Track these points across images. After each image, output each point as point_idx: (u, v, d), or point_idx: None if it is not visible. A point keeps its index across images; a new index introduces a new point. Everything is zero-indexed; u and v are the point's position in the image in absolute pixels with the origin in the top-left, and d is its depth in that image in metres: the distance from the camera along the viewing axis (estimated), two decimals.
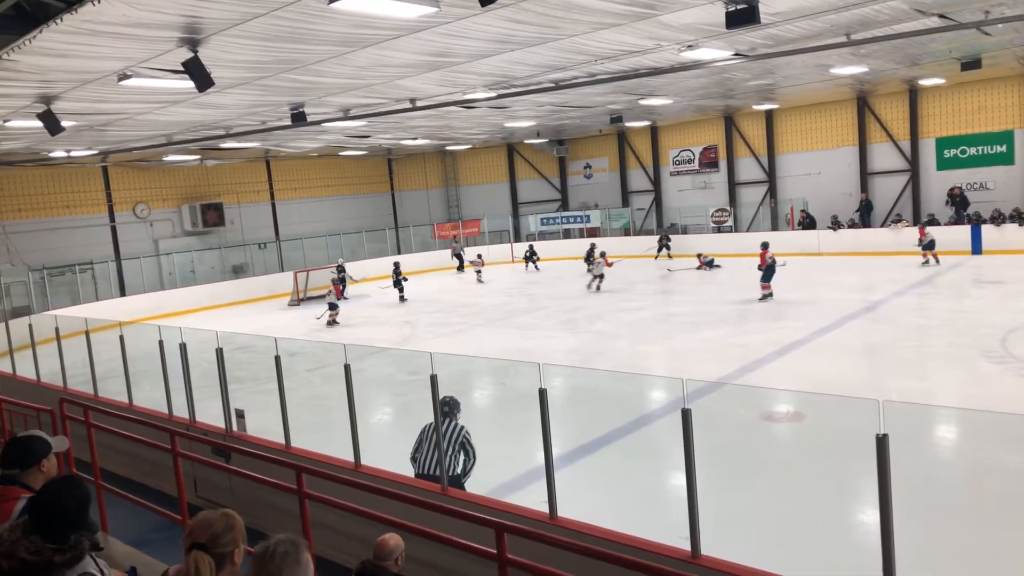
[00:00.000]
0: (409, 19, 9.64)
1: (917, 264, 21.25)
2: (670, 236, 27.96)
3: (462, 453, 6.21)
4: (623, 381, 10.48)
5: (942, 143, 24.95)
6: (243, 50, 10.64)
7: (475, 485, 6.25)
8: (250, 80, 12.98)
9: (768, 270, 17.45)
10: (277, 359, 6.80)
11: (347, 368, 6.09)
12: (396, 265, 22.95)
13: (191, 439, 7.08)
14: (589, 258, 23.77)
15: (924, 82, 23.05)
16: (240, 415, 7.38)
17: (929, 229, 22.18)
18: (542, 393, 4.94)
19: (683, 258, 26.31)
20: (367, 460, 6.32)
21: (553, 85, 15.94)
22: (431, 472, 6.06)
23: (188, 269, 26.57)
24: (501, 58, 12.88)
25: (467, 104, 17.89)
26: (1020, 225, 21.98)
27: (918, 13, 12.05)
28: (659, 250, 27.51)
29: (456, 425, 6.31)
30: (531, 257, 28.72)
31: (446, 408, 6.30)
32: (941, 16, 12.35)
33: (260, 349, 11.25)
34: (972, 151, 24.42)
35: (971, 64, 18.25)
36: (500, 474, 7.31)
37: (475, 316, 18.50)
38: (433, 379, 5.45)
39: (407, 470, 6.29)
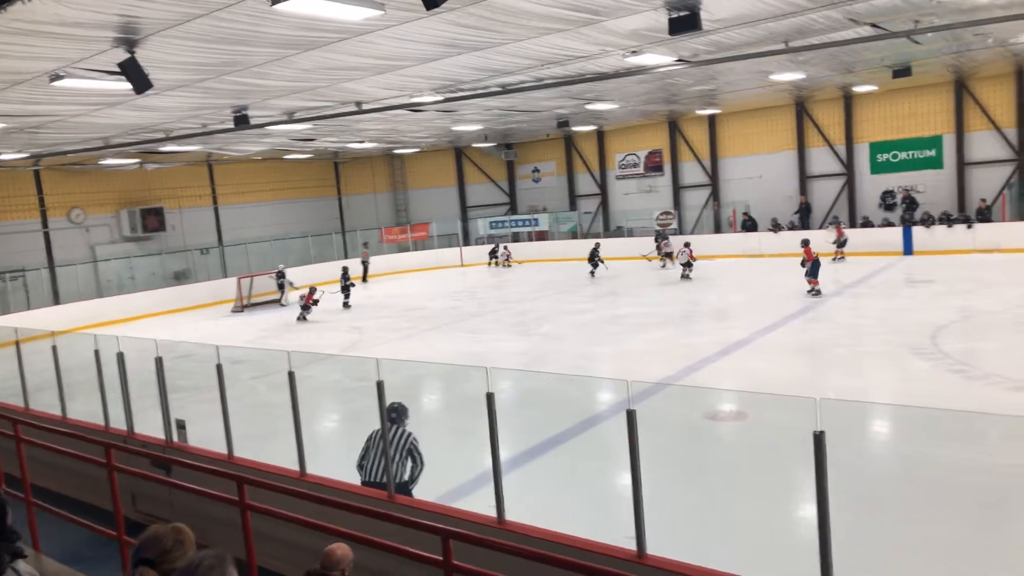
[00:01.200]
0: (354, 21, 9.56)
1: (834, 262, 21.98)
2: (667, 236, 27.55)
3: (409, 460, 6.16)
4: (570, 383, 10.56)
5: (875, 147, 25.85)
6: (183, 51, 10.40)
7: (423, 491, 6.22)
8: (191, 82, 12.69)
9: (814, 265, 17.76)
10: (219, 367, 6.65)
11: (291, 375, 6.00)
12: (345, 270, 22.66)
13: (129, 452, 6.87)
14: (594, 258, 25.36)
15: (858, 89, 23.85)
16: (181, 426, 7.20)
17: (844, 230, 23.72)
18: (489, 397, 4.95)
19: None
20: (314, 469, 6.24)
21: (500, 89, 15.99)
22: (378, 479, 6.00)
23: (127, 276, 25.78)
24: (448, 62, 12.87)
25: (414, 107, 17.82)
26: (949, 227, 22.89)
27: (852, 22, 12.46)
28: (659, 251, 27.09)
29: (403, 431, 6.26)
30: (495, 253, 29.90)
31: (393, 414, 6.24)
32: (873, 25, 12.80)
33: (202, 357, 10.98)
34: (903, 155, 25.37)
35: (902, 72, 18.94)
36: (449, 480, 7.29)
37: (424, 320, 18.42)
38: (379, 385, 5.41)
39: (354, 478, 6.22)
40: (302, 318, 19.80)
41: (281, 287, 23.68)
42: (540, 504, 6.81)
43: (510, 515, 4.94)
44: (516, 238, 32.36)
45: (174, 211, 28.82)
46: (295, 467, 6.17)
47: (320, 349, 15.45)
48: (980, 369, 10.49)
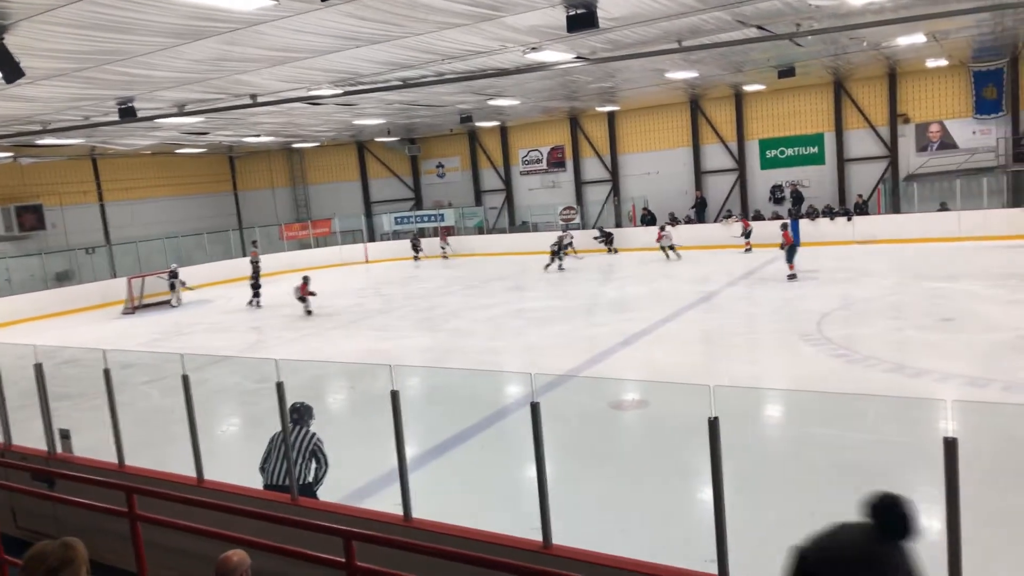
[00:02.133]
0: (246, 11, 9.25)
1: (744, 253, 23.06)
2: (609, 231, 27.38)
3: (313, 461, 6.03)
4: (477, 378, 10.60)
5: (764, 144, 27.13)
6: (58, 38, 9.78)
7: (327, 492, 6.11)
8: (68, 71, 11.95)
9: (791, 250, 18.00)
10: (106, 372, 6.32)
11: (185, 379, 5.76)
12: (255, 265, 21.56)
13: (6, 466, 6.44)
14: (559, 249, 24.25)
15: (747, 88, 24.96)
16: (65, 435, 6.80)
17: (751, 222, 24.80)
18: (394, 395, 4.91)
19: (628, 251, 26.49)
20: (213, 474, 6.01)
21: (401, 83, 15.83)
22: (281, 482, 5.86)
23: (3, 278, 24.02)
24: (346, 54, 12.63)
25: (312, 101, 17.39)
26: (832, 220, 24.30)
27: (740, 24, 13.02)
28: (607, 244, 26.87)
29: (307, 432, 6.12)
30: (418, 248, 29.69)
31: (295, 415, 6.10)
32: (759, 27, 13.42)
33: (89, 362, 10.39)
34: (790, 152, 26.75)
35: (786, 72, 19.94)
36: (354, 480, 7.20)
37: (327, 319, 18.04)
38: (279, 387, 5.27)
39: (256, 481, 6.04)
40: (309, 312, 18.49)
41: (172, 287, 22.64)
42: (448, 500, 6.81)
43: (417, 513, 4.93)
44: (422, 234, 32.14)
45: (54, 208, 27.07)
46: (192, 473, 5.94)
47: (217, 351, 14.89)
48: (859, 353, 11.20)
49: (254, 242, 28.84)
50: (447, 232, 30.87)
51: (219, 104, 16.61)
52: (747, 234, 24.25)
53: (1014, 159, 23.12)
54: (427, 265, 28.39)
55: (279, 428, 5.86)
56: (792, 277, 17.79)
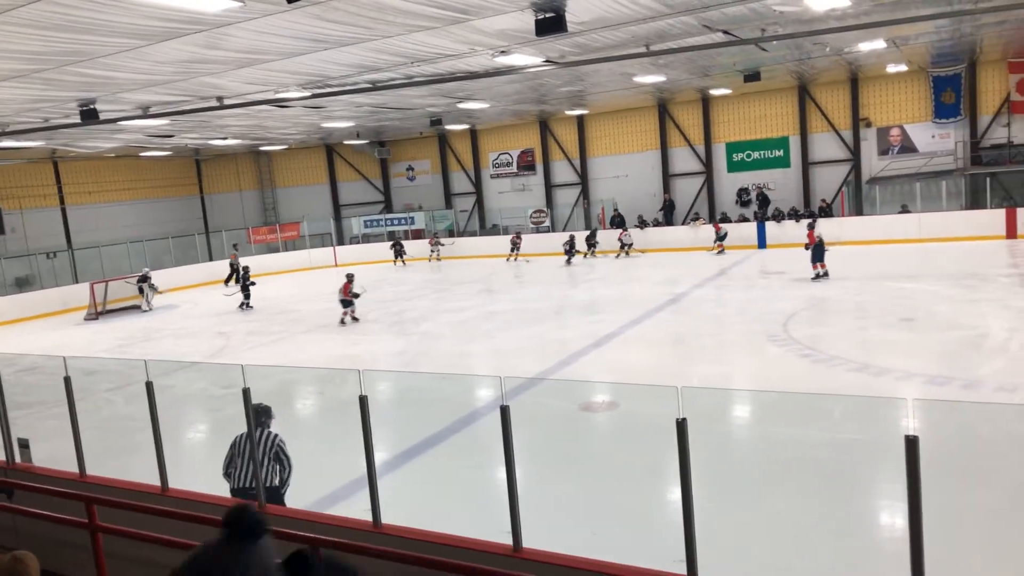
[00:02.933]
0: (211, 13, 9.14)
1: (713, 256, 23.33)
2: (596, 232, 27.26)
3: (277, 463, 5.93)
4: (447, 382, 10.57)
5: (731, 147, 27.48)
6: (16, 38, 9.59)
7: (298, 498, 6.05)
8: (27, 72, 11.71)
9: (816, 249, 17.52)
10: (67, 380, 6.17)
11: (149, 386, 5.66)
12: (246, 269, 20.96)
13: None
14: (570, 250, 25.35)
15: (714, 92, 25.25)
16: (24, 445, 6.63)
17: (723, 225, 25.10)
18: (362, 400, 4.87)
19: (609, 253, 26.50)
20: (179, 482, 5.91)
21: (370, 86, 15.75)
22: (247, 485, 5.78)
23: None
24: (314, 57, 12.54)
25: (280, 103, 17.23)
26: (797, 221, 24.66)
27: (706, 28, 13.18)
28: (589, 248, 26.56)
29: (269, 434, 6.00)
30: (401, 252, 29.01)
31: (262, 418, 6.01)
32: (725, 32, 13.60)
33: (51, 370, 10.17)
34: (756, 155, 27.12)
35: (752, 76, 20.24)
36: (324, 485, 7.13)
37: (296, 323, 17.87)
38: (246, 393, 5.20)
39: (223, 489, 5.96)
40: (353, 318, 16.99)
41: (142, 291, 22.25)
42: (418, 505, 6.79)
43: (387, 518, 4.89)
44: (392, 237, 31.97)
45: (14, 212, 26.49)
46: (156, 482, 5.83)
47: (183, 357, 14.66)
48: (824, 353, 11.38)
49: (235, 245, 28.74)
50: (435, 237, 30.13)
51: (185, 106, 16.38)
52: (720, 237, 24.63)
53: (972, 162, 23.73)
54: (411, 267, 28.19)
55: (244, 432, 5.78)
56: (820, 276, 17.37)
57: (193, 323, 19.29)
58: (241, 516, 3.72)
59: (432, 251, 29.21)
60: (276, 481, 5.93)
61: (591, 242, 26.41)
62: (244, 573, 3.52)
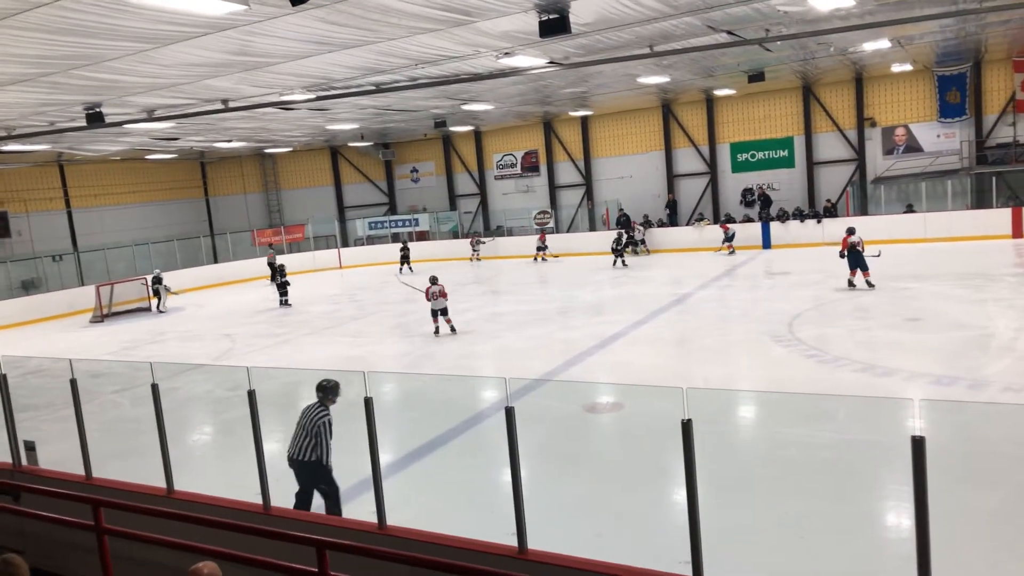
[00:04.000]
0: (216, 16, 9.16)
1: (718, 257, 23.32)
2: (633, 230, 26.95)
3: (314, 440, 6.28)
4: (452, 383, 10.58)
5: (736, 148, 27.43)
6: (23, 43, 9.62)
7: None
8: (34, 76, 11.75)
9: (850, 256, 16.12)
10: (73, 382, 6.20)
11: (155, 388, 5.68)
12: (282, 267, 21.73)
13: None
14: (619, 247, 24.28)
15: (718, 92, 25.22)
16: (30, 447, 6.66)
17: (731, 225, 25.06)
18: (367, 402, 4.88)
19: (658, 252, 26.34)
20: (184, 484, 5.93)
21: (374, 88, 15.77)
22: (295, 456, 6.32)
23: None
24: (318, 59, 12.56)
25: (285, 106, 17.27)
26: (802, 222, 24.63)
27: (710, 29, 13.17)
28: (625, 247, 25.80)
29: (320, 410, 6.35)
30: (406, 257, 27.21)
31: (319, 392, 6.45)
32: (729, 32, 13.58)
33: (56, 372, 10.24)
34: (760, 155, 27.08)
35: (756, 77, 20.20)
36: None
37: (301, 326, 17.90)
38: (251, 395, 5.21)
39: (228, 492, 5.97)
40: (449, 329, 14.87)
41: (157, 293, 22.33)
42: (423, 507, 6.80)
43: (392, 520, 4.90)
44: (396, 239, 32.00)
45: (20, 215, 26.61)
46: (162, 484, 5.85)
47: (189, 359, 14.70)
48: (830, 353, 11.35)
49: (270, 245, 29.50)
50: (476, 236, 29.61)
51: (190, 109, 16.43)
52: (729, 238, 24.55)
53: (977, 162, 23.64)
54: (449, 267, 28.10)
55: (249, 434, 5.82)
56: (852, 285, 16.19)
57: (199, 325, 19.34)
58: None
59: (473, 251, 28.62)
60: (312, 456, 6.21)
61: (632, 241, 26.20)
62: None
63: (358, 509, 5.79)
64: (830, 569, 5.61)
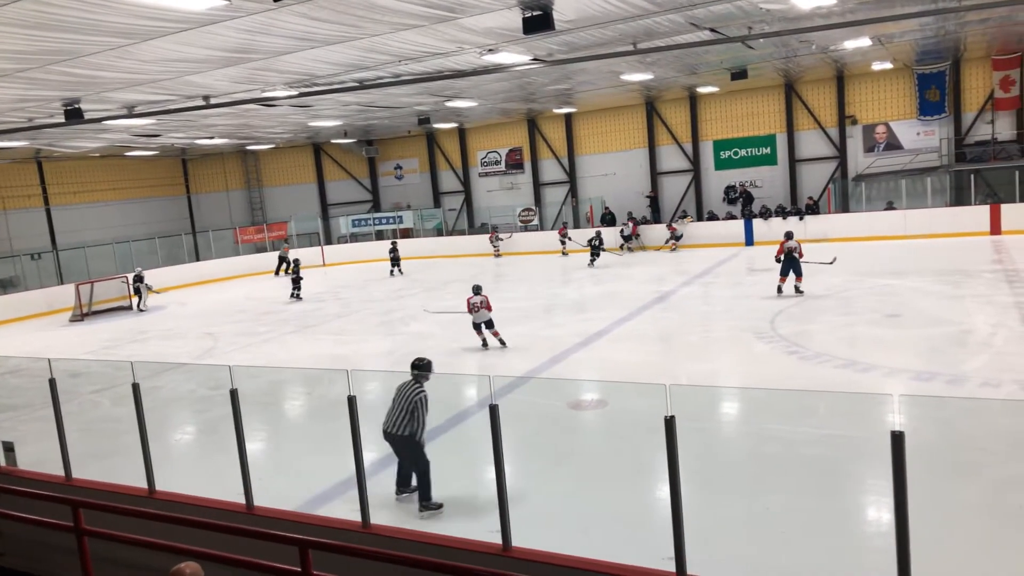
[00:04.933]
0: (196, 11, 9.08)
1: (663, 255, 23.42)
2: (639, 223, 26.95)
3: (410, 416, 6.58)
4: (436, 381, 10.52)
5: (719, 145, 27.56)
6: (0, 37, 9.48)
7: (287, 499, 6.02)
8: (11, 72, 11.59)
9: (785, 261, 15.36)
10: (51, 382, 6.14)
11: (135, 387, 5.63)
12: (296, 262, 21.94)
13: None
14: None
15: (701, 89, 25.32)
16: (8, 448, 6.58)
17: (677, 226, 25.94)
18: (351, 400, 4.87)
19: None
20: (166, 484, 5.89)
21: (357, 84, 15.70)
22: (390, 430, 6.61)
23: None
24: (301, 56, 12.48)
25: (267, 102, 17.14)
26: (784, 219, 24.78)
27: (693, 26, 13.21)
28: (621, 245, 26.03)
29: (416, 388, 6.67)
30: (396, 259, 25.83)
31: (415, 371, 6.80)
32: (712, 30, 13.63)
33: (35, 372, 10.10)
34: (743, 152, 27.23)
35: (739, 74, 20.30)
36: (313, 486, 7.10)
37: (283, 323, 17.80)
38: (233, 394, 5.18)
39: (211, 491, 5.93)
40: (499, 343, 13.24)
41: (138, 291, 22.12)
42: (408, 505, 6.78)
43: (376, 519, 4.89)
44: (380, 236, 31.88)
45: None
46: (144, 484, 5.80)
47: (171, 358, 14.58)
48: (811, 349, 11.44)
49: (286, 239, 29.69)
50: (495, 232, 28.76)
51: (170, 106, 16.27)
52: (676, 237, 25.14)
53: (956, 159, 23.91)
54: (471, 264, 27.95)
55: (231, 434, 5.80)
56: (781, 292, 15.53)
57: (180, 324, 19.18)
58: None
59: (494, 247, 28.12)
60: (406, 431, 6.58)
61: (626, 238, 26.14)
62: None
63: (341, 508, 5.76)
64: (812, 563, 5.66)
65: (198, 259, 29.46)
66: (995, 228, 22.02)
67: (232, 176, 34.38)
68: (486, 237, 28.92)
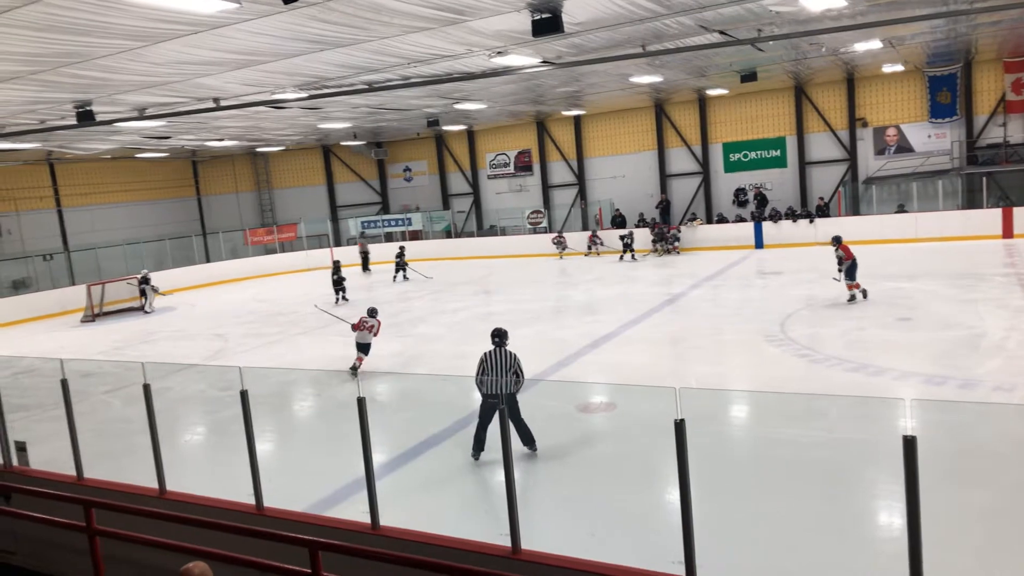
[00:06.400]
0: (207, 14, 9.13)
1: (706, 257, 23.35)
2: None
3: (515, 375, 7.68)
4: (445, 383, 10.56)
5: (728, 148, 27.49)
6: (12, 40, 9.57)
7: (295, 501, 6.03)
8: (23, 74, 11.69)
9: (852, 266, 14.68)
10: (63, 382, 6.18)
11: (146, 388, 5.66)
12: (336, 264, 21.44)
13: None
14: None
15: (711, 92, 25.26)
16: (21, 448, 6.63)
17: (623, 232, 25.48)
18: (360, 402, 4.88)
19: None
20: (177, 485, 5.91)
21: (367, 87, 15.75)
22: (492, 392, 7.60)
23: None
24: (310, 58, 12.53)
25: (277, 104, 17.21)
26: (794, 222, 24.69)
27: (702, 29, 13.19)
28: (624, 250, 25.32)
29: (508, 352, 7.81)
30: (402, 264, 24.70)
31: (497, 338, 7.98)
32: (722, 32, 13.61)
33: (47, 372, 10.17)
34: (753, 155, 27.15)
35: (749, 77, 20.26)
36: (322, 488, 7.12)
37: (292, 325, 17.85)
38: (243, 395, 5.20)
39: (221, 492, 5.95)
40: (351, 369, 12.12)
41: (144, 293, 22.23)
42: (417, 507, 6.79)
43: (385, 520, 4.89)
44: (389, 238, 31.92)
45: (9, 214, 26.45)
46: (154, 485, 5.83)
47: (181, 359, 14.64)
48: (822, 353, 11.39)
49: (362, 233, 30.46)
50: (559, 235, 27.61)
51: (181, 108, 16.36)
52: (626, 246, 24.88)
53: (968, 162, 23.76)
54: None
55: (241, 434, 5.82)
56: (853, 299, 14.72)
57: (191, 325, 19.26)
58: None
59: (558, 247, 27.17)
60: (515, 389, 7.63)
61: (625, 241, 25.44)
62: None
63: (351, 509, 5.77)
64: (822, 568, 5.63)
65: (209, 260, 29.58)
66: (1007, 231, 21.84)
67: (242, 178, 34.52)
68: (495, 239, 28.90)
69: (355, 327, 12.23)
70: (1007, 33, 18.65)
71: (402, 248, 25.80)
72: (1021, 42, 20.64)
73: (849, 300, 14.74)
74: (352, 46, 11.88)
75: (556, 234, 27.59)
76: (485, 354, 7.86)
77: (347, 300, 20.57)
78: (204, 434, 10.57)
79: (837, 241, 15.01)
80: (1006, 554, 5.61)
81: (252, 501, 5.37)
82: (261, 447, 5.73)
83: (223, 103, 16.00)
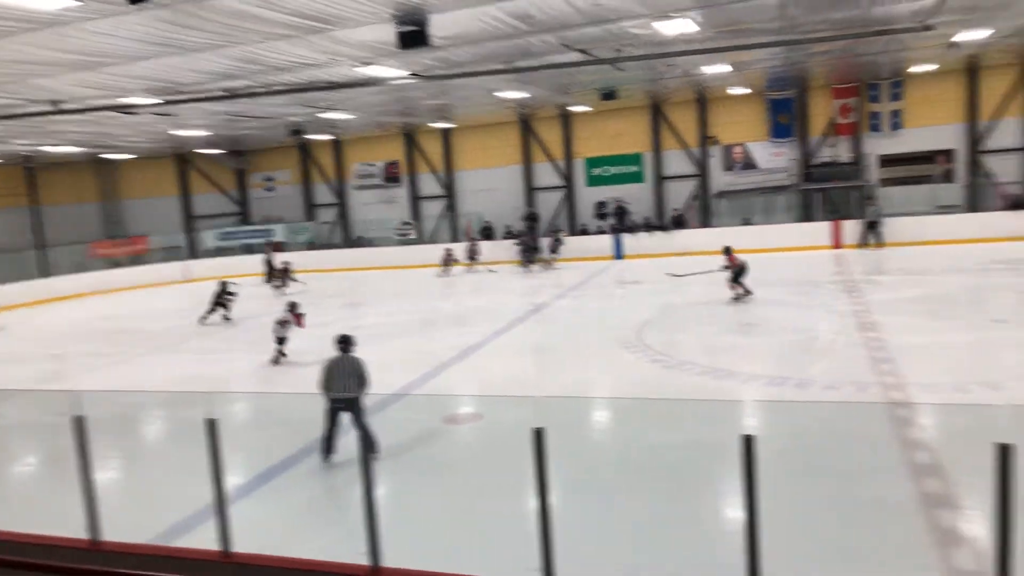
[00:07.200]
0: (46, 11, 8.50)
1: (569, 268, 24.06)
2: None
3: (357, 379, 7.77)
4: (307, 401, 10.23)
5: (591, 163, 28.52)
6: None
7: (138, 532, 5.66)
8: None
9: (739, 271, 16.28)
10: None
11: None
12: (223, 285, 18.63)
13: None
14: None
15: (574, 108, 26.13)
16: None
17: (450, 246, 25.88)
18: (209, 424, 4.64)
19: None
20: (6, 524, 5.38)
21: (225, 94, 15.12)
22: (344, 396, 7.67)
23: None
24: (161, 62, 11.91)
25: (125, 109, 16.18)
26: (650, 234, 25.93)
27: (565, 48, 13.65)
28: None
29: (354, 357, 7.96)
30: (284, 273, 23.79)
31: (343, 344, 8.10)
32: (583, 51, 14.13)
33: None
34: (613, 170, 28.30)
35: (609, 95, 21.14)
36: (168, 517, 6.71)
37: (139, 343, 16.74)
38: (78, 421, 4.83)
39: (55, 528, 5.47)
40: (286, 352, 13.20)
41: None
42: (275, 530, 6.55)
43: (239, 546, 4.68)
44: (249, 250, 30.64)
45: None
46: None
47: (11, 383, 13.37)
48: (675, 358, 12.00)
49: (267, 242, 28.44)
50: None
51: (14, 110, 15.05)
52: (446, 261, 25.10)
53: (804, 179, 25.90)
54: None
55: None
56: (739, 297, 16.22)
57: (22, 346, 17.66)
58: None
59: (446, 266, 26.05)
60: (357, 392, 7.71)
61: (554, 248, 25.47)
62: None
63: (203, 535, 5.46)
64: (676, 564, 5.91)
65: (49, 275, 27.23)
66: (837, 242, 24.00)
67: (86, 187, 32.06)
68: (363, 251, 28.44)
69: (279, 322, 13.55)
70: (835, 62, 20.53)
71: (286, 264, 24.19)
72: (847, 71, 22.78)
73: (734, 299, 16.22)
74: (210, 51, 11.42)
75: (447, 251, 25.79)
76: (330, 360, 7.97)
77: (229, 320, 18.68)
78: (36, 465, 9.70)
79: (727, 251, 16.64)
80: (838, 540, 6.10)
81: (86, 535, 4.99)
82: (103, 475, 5.34)
83: (63, 106, 14.87)
